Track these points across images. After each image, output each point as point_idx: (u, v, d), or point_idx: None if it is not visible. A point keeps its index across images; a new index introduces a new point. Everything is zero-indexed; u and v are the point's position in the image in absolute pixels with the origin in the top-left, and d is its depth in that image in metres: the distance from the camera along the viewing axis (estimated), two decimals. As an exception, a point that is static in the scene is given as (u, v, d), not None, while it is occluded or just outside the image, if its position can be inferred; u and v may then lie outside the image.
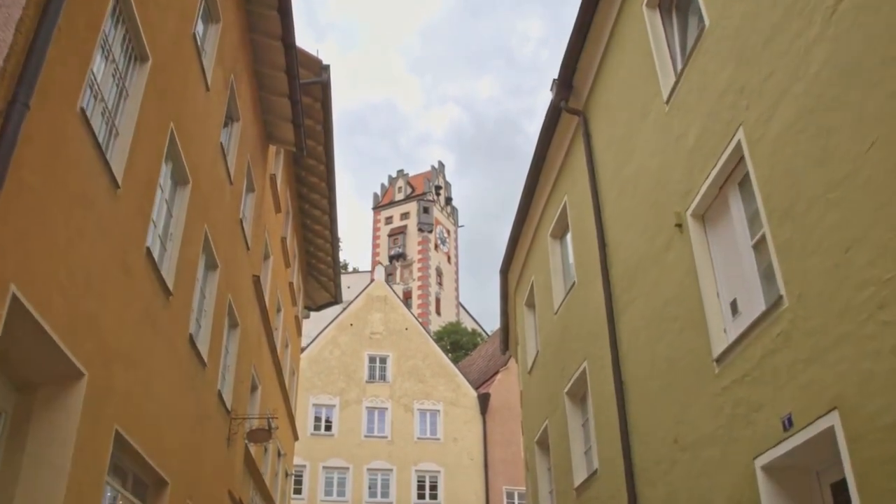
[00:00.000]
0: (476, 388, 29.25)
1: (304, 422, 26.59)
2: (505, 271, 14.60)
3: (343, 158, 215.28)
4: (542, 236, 12.20)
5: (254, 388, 12.77)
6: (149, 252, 6.52)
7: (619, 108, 8.76)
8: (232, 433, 10.22)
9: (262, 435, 10.24)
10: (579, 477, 9.93)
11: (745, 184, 6.00)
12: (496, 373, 29.81)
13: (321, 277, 21.69)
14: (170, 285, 7.20)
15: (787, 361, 4.97)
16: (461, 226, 74.38)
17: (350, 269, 60.34)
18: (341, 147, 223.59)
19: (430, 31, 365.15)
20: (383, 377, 28.49)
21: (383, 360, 28.79)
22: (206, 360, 8.71)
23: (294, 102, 11.98)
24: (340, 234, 78.56)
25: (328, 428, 27.20)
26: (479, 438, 27.70)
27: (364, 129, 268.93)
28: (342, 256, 67.11)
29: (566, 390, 10.47)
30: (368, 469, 26.48)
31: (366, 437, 27.07)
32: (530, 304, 13.59)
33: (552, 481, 11.76)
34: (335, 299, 22.91)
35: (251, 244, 11.58)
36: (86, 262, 5.16)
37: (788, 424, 4.93)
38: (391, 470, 26.60)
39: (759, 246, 5.68)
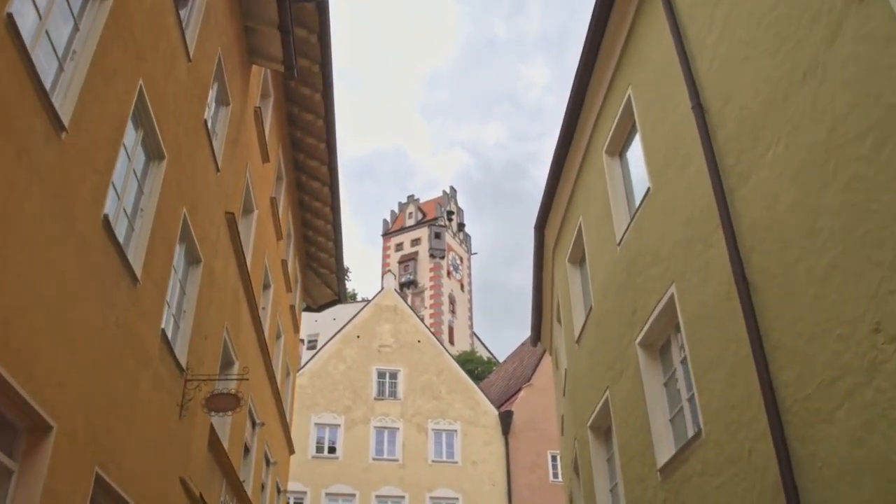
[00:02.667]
0: (497, 407, 26.21)
1: (305, 443, 23.65)
2: (541, 226, 11.95)
3: (350, 204, 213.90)
4: (594, 160, 9.62)
5: (229, 363, 10.08)
6: (16, 29, 4.02)
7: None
8: (187, 399, 7.52)
9: (226, 402, 7.52)
10: (665, 453, 7.13)
11: None
12: (519, 390, 26.82)
13: (322, 270, 19.11)
14: (63, 117, 4.68)
15: None
16: (474, 253, 71.64)
17: (359, 298, 57.60)
18: (349, 193, 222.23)
19: (436, 78, 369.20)
20: (393, 394, 25.54)
21: (393, 375, 25.89)
22: (137, 273, 6.11)
23: (280, -3, 9.63)
24: (346, 262, 76.20)
25: (332, 450, 24.15)
26: (502, 461, 24.53)
27: (371, 175, 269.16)
28: (349, 286, 64.48)
29: (639, 340, 7.73)
30: (377, 496, 23.33)
31: (374, 460, 23.98)
32: (576, 259, 10.91)
33: (616, 472, 8.90)
34: (338, 297, 20.27)
35: (222, 166, 9.07)
36: None
37: None
38: (403, 497, 23.43)
39: None
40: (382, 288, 28.55)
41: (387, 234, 69.79)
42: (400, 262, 66.12)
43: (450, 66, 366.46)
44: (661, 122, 7.38)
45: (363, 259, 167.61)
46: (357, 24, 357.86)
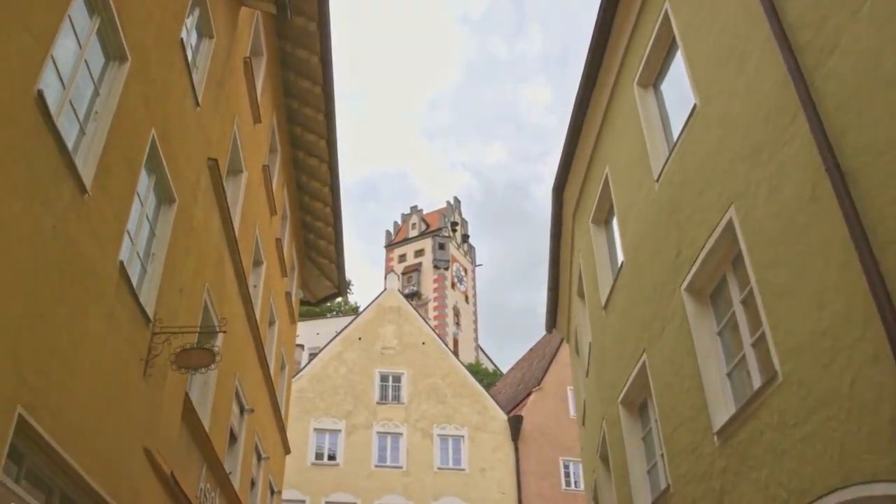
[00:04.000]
0: (506, 412, 24.89)
1: (304, 449, 22.39)
2: (560, 187, 10.83)
3: (353, 226, 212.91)
4: (623, 97, 8.56)
5: (210, 332, 8.94)
6: None
7: None
8: (153, 355, 6.38)
9: (199, 357, 6.37)
10: (723, 412, 5.96)
11: None
12: (529, 394, 25.52)
13: (321, 259, 18.02)
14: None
15: None
16: (479, 265, 70.39)
17: (361, 310, 56.36)
18: (350, 214, 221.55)
19: (438, 100, 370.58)
20: (397, 398, 24.27)
21: (397, 379, 24.63)
22: (86, 181, 5.03)
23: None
24: (347, 276, 74.90)
25: (332, 457, 22.84)
26: (511, 469, 23.17)
27: (374, 197, 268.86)
28: (351, 299, 63.21)
29: (686, 286, 6.60)
30: (379, 505, 21.97)
31: (377, 467, 22.65)
32: (601, 218, 9.80)
33: (655, 449, 7.72)
34: (338, 289, 19.15)
35: (203, 103, 8.01)
36: None
37: None
38: (407, 507, 22.06)
39: None
40: (385, 288, 27.41)
41: (389, 246, 68.58)
42: (403, 274, 64.75)
43: (451, 88, 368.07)
44: (709, 26, 6.31)
45: (365, 277, 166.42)
46: (358, 47, 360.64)
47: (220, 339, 9.07)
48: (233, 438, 10.58)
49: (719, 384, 6.13)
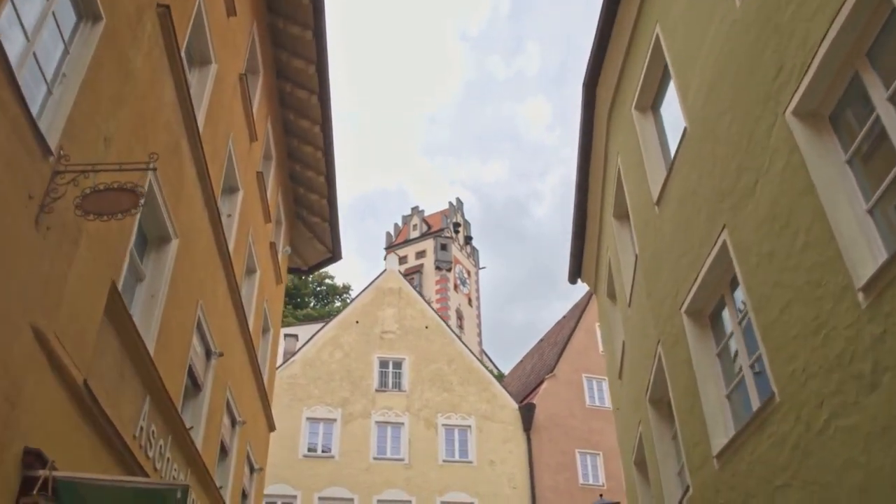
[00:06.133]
0: (518, 402, 22.89)
1: (296, 440, 20.44)
2: (592, 81, 8.97)
3: (352, 242, 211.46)
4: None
5: (163, 239, 7.12)
6: None
7: None
8: (53, 198, 4.53)
9: (115, 200, 4.50)
10: (869, 262, 4.11)
11: None
12: (541, 382, 23.55)
13: (312, 218, 16.22)
14: None
15: None
16: (482, 267, 68.35)
17: (359, 292, 54.31)
18: (349, 230, 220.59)
19: (437, 118, 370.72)
20: (398, 385, 22.30)
21: (398, 365, 22.68)
22: None
23: None
24: (347, 281, 73.28)
25: (326, 449, 20.83)
26: (523, 461, 21.15)
27: (373, 213, 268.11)
28: (353, 304, 61.14)
29: (793, 108, 4.77)
30: (379, 501, 19.94)
31: (376, 459, 20.64)
32: (647, 101, 7.97)
33: (741, 360, 5.83)
34: (332, 254, 17.30)
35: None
36: None
37: None
38: (409, 502, 20.00)
39: None
40: (385, 269, 25.54)
41: (390, 247, 66.50)
42: (405, 275, 62.84)
43: (451, 105, 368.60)
44: None
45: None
46: (356, 63, 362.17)
47: (175, 245, 7.24)
48: (196, 385, 8.70)
49: (856, 226, 4.27)
